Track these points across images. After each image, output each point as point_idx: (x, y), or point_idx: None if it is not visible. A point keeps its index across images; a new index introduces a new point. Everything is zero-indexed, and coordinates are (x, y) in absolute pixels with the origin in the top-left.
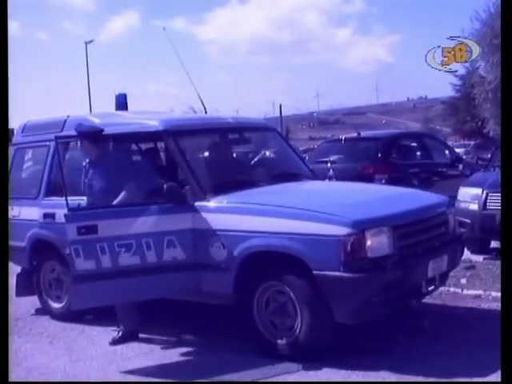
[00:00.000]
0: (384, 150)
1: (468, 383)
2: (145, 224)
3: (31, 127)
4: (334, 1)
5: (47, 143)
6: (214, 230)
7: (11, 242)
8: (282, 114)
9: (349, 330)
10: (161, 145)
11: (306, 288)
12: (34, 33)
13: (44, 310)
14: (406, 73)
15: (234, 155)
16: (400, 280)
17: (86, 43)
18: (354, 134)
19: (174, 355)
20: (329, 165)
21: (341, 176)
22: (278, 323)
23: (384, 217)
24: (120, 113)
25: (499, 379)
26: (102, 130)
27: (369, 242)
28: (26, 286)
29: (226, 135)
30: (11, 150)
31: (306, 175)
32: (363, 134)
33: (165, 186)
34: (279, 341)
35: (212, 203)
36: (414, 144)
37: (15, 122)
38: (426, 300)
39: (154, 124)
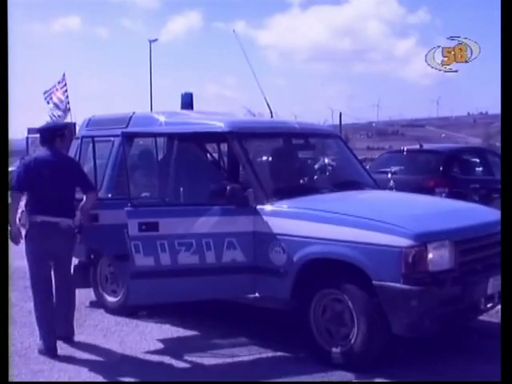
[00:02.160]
0: (446, 163)
1: (468, 383)
2: (206, 224)
3: (96, 122)
4: (397, 11)
5: (111, 138)
6: (274, 234)
7: None
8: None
9: (404, 342)
10: (224, 146)
11: (365, 298)
12: (94, 29)
13: (98, 304)
14: (468, 87)
15: (298, 161)
16: (459, 295)
17: (151, 42)
18: (416, 146)
19: (228, 356)
20: (389, 175)
21: (401, 187)
22: (333, 331)
23: (446, 231)
24: (186, 112)
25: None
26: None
27: (430, 256)
28: (83, 279)
29: (290, 140)
30: (74, 143)
31: (368, 184)
32: (425, 146)
33: (228, 188)
34: (333, 349)
35: (274, 207)
36: (476, 159)
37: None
38: (483, 317)
39: (219, 125)
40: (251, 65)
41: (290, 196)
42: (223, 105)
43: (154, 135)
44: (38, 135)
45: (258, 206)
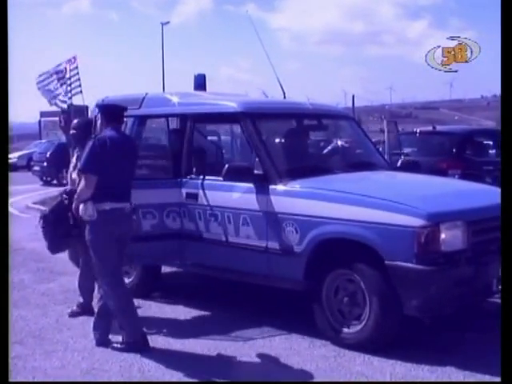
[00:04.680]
0: (459, 145)
1: (467, 383)
2: (216, 202)
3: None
4: None
5: (125, 119)
6: (287, 214)
7: None
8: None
9: (417, 323)
10: (237, 126)
11: (377, 278)
12: (104, 11)
13: None
14: (481, 69)
15: (311, 141)
16: (472, 276)
17: (163, 24)
18: (429, 128)
19: (240, 338)
20: (402, 157)
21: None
22: (345, 312)
23: (459, 211)
24: (199, 93)
25: (499, 379)
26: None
27: (443, 236)
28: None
29: (303, 121)
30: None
31: (381, 165)
32: (438, 128)
33: (238, 167)
34: (345, 329)
35: (287, 187)
36: (489, 141)
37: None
38: (495, 299)
39: (232, 105)
40: (264, 45)
41: (302, 176)
42: (236, 87)
43: (167, 116)
44: (50, 118)
45: (271, 186)
